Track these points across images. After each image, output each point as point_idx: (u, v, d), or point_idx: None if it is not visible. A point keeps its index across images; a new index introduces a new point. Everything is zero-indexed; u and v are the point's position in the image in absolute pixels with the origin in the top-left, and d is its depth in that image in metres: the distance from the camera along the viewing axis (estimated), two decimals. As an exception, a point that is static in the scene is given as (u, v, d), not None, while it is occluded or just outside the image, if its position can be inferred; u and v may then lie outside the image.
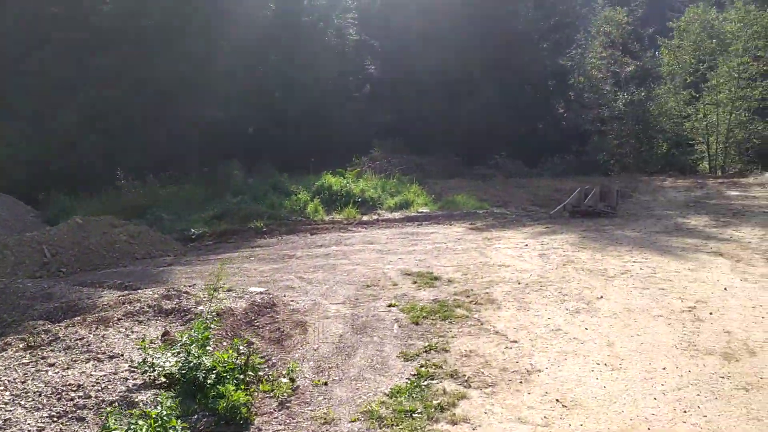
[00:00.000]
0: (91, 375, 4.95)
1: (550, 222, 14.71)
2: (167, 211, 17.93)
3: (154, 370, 4.86)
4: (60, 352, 5.46)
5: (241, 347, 5.07)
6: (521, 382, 5.02)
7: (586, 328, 6.29)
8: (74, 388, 4.68)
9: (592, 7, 35.10)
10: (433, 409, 4.53)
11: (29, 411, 4.26)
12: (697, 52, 28.64)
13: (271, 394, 4.91)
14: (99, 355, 5.39)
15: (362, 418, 4.43)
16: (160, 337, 6.21)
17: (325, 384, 5.08)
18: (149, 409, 4.16)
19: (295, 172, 23.42)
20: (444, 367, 5.32)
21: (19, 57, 26.35)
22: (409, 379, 5.10)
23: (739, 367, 5.23)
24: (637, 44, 30.92)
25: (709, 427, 4.23)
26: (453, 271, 9.20)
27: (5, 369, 4.96)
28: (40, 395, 4.52)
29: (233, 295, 7.73)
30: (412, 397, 4.75)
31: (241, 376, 4.82)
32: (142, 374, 4.96)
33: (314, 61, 30.01)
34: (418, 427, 4.26)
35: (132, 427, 3.82)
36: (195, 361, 4.68)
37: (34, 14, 26.65)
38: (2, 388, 4.57)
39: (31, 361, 5.20)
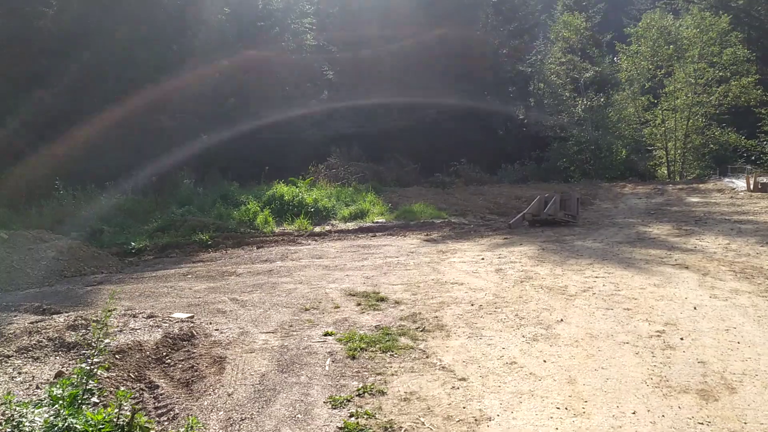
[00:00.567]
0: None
1: (509, 232, 13.99)
2: (109, 223, 16.76)
3: (16, 435, 3.88)
4: None
5: (125, 404, 4.10)
6: (468, 435, 4.18)
7: (545, 361, 5.48)
8: None
9: (551, 14, 34.86)
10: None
11: None
12: (654, 58, 28.49)
13: (164, 459, 3.98)
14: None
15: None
16: (52, 380, 5.24)
17: (233, 443, 4.17)
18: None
19: (251, 181, 22.40)
20: (378, 416, 4.45)
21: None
22: (334, 434, 4.22)
23: (719, 409, 4.47)
24: (595, 50, 30.64)
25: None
26: (402, 290, 8.34)
27: None
28: None
29: (150, 323, 6.75)
30: (335, 460, 3.87)
31: (124, 441, 3.87)
32: (2, 439, 3.98)
33: (269, 67, 29.03)
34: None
35: None
36: (61, 425, 3.72)
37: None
38: None
39: None
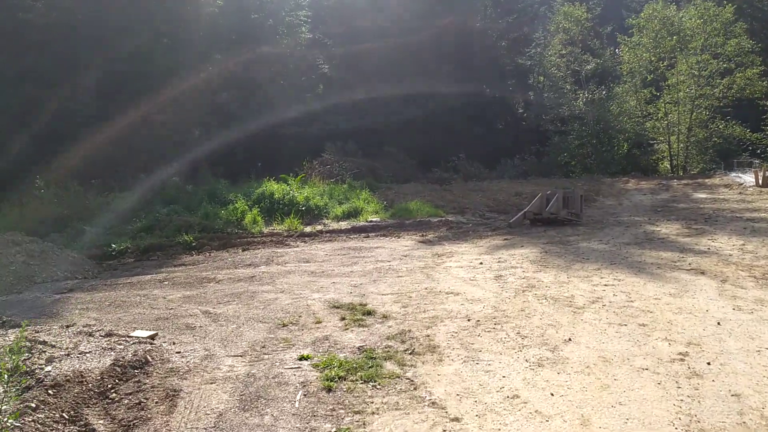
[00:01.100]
0: None
1: (509, 232, 13.14)
2: (92, 223, 15.92)
3: None
4: None
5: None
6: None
7: (552, 394, 4.65)
8: None
9: (551, 5, 33.89)
10: None
11: None
12: (657, 49, 27.54)
13: None
14: None
15: None
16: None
17: None
18: None
19: (244, 177, 21.55)
20: (351, 474, 3.62)
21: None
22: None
23: (767, 463, 3.64)
24: (596, 41, 29.70)
25: None
26: (391, 301, 7.51)
27: None
28: None
29: (104, 345, 5.92)
30: None
31: None
32: None
33: (263, 61, 28.11)
34: None
35: None
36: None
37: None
38: None
39: None
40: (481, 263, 9.68)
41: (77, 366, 5.24)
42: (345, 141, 24.98)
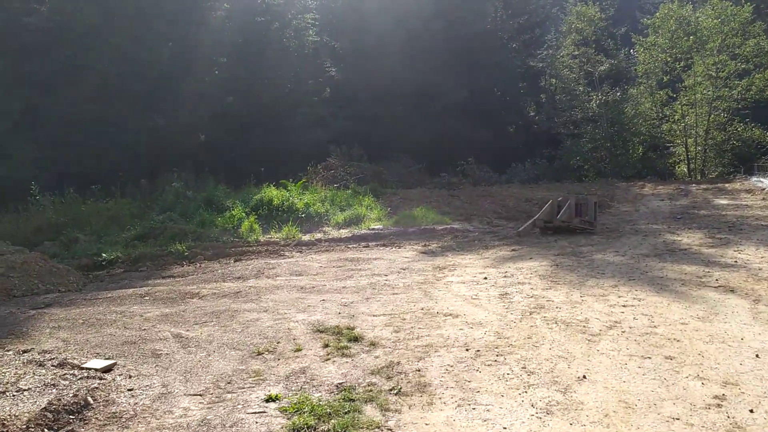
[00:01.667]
0: None
1: (517, 242, 12.22)
2: (86, 231, 15.23)
3: None
4: None
5: None
6: None
7: (563, 454, 3.76)
8: None
9: (563, 6, 32.87)
10: None
11: None
12: (673, 50, 26.44)
13: None
14: None
15: None
16: None
17: None
18: None
19: (247, 183, 20.78)
20: None
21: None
22: None
23: None
24: (611, 41, 28.66)
25: None
26: (382, 324, 6.64)
27: None
28: None
29: (48, 380, 5.14)
30: None
31: None
32: None
33: (269, 64, 27.38)
34: None
35: None
36: None
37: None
38: None
39: None
40: (485, 278, 8.78)
41: (7, 410, 4.44)
42: (351, 145, 24.16)
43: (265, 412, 4.50)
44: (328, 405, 4.51)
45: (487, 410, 4.39)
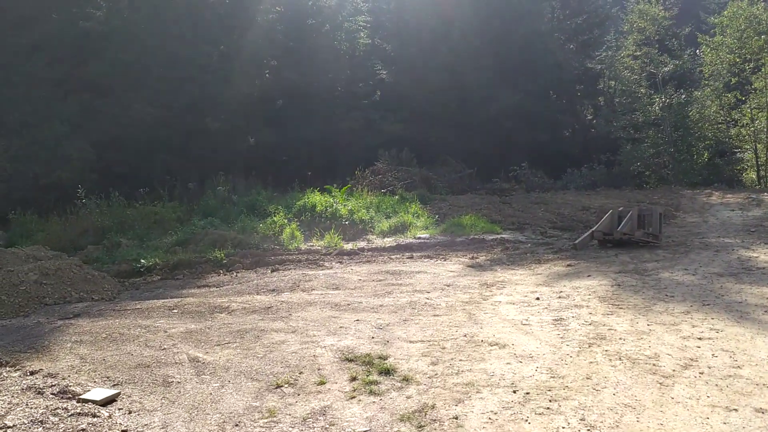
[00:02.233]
0: None
1: (573, 255, 11.20)
2: (129, 235, 14.95)
3: None
4: None
5: None
6: None
7: None
8: None
9: (623, 5, 31.30)
10: None
11: None
12: (742, 50, 24.64)
13: None
14: None
15: None
16: None
17: None
18: None
19: (294, 187, 20.31)
20: None
21: (6, 68, 23.95)
22: None
23: None
24: (674, 41, 26.99)
25: None
26: (419, 353, 5.85)
27: None
28: None
29: (37, 415, 4.56)
30: None
31: None
32: None
33: (320, 67, 26.93)
34: None
35: None
36: None
37: (21, 20, 24.09)
38: None
39: None
40: (537, 298, 7.87)
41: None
42: (400, 149, 23.41)
43: (270, 468, 3.78)
44: (344, 463, 3.75)
45: (537, 479, 3.55)
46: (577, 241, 11.73)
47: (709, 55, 26.44)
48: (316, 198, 15.11)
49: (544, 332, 6.36)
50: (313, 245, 13.26)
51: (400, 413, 4.50)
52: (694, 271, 9.34)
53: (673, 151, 25.55)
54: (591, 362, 5.42)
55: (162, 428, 4.44)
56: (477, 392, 4.83)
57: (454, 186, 20.89)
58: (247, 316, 7.82)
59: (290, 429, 4.33)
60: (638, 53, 27.14)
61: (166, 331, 7.37)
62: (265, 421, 4.49)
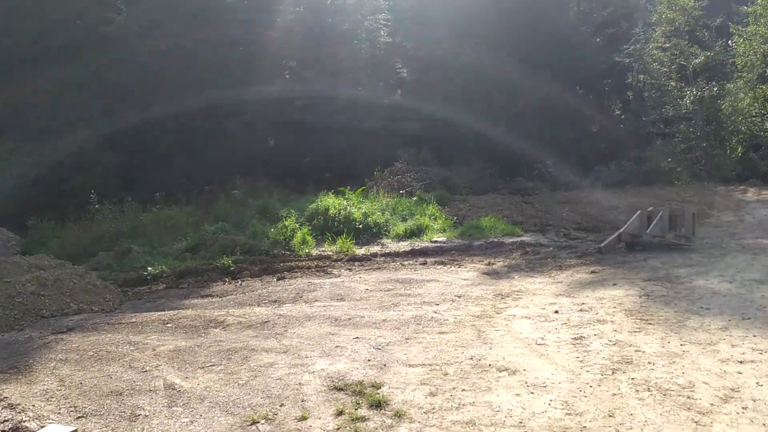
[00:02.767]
0: None
1: (598, 259, 10.33)
2: (140, 241, 14.48)
3: None
4: None
5: None
6: None
7: None
8: None
9: (651, -3, 29.96)
10: None
11: None
12: (777, 41, 23.26)
13: None
14: None
15: None
16: None
17: None
18: None
19: (313, 189, 19.68)
20: None
21: (30, 73, 23.85)
22: None
23: None
24: (705, 32, 25.67)
25: None
26: (417, 381, 5.12)
27: None
28: None
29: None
30: None
31: None
32: None
33: (340, 67, 26.28)
34: None
35: None
36: None
37: (46, 25, 23.98)
38: None
39: None
40: (556, 312, 7.07)
41: None
42: (420, 148, 22.59)
43: None
44: None
45: None
46: (602, 245, 10.84)
47: (742, 45, 25.06)
48: (329, 201, 14.44)
49: (562, 354, 5.58)
50: (324, 250, 12.61)
51: (385, 462, 3.79)
52: (731, 277, 8.43)
53: (706, 146, 24.26)
54: (614, 394, 4.63)
55: (108, 479, 3.80)
56: (478, 433, 4.09)
57: (475, 186, 20.03)
58: (241, 332, 7.19)
59: (254, 482, 3.65)
60: (667, 45, 25.87)
61: (154, 349, 6.79)
62: (229, 469, 3.82)
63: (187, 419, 4.66)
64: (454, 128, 24.48)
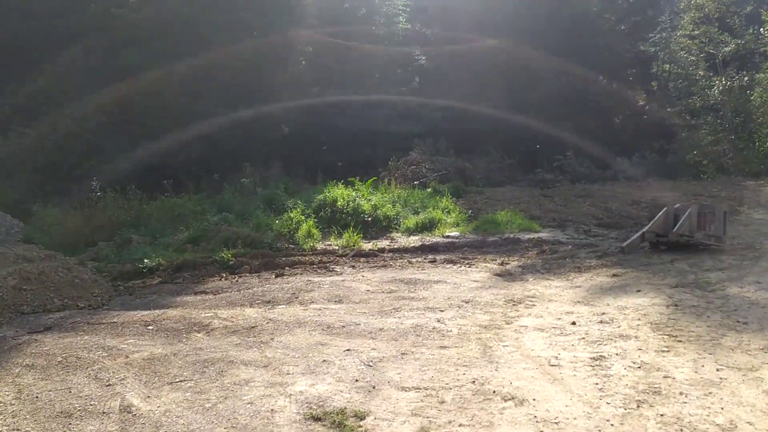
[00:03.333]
0: None
1: (620, 260, 9.45)
2: (142, 231, 13.87)
3: None
4: None
5: None
6: None
7: None
8: None
9: (678, -17, 28.57)
10: None
11: None
12: (812, 27, 21.90)
13: None
14: None
15: None
16: None
17: None
18: None
19: (326, 179, 18.99)
20: None
21: (40, 57, 23.37)
22: None
23: None
24: (736, 19, 24.33)
25: None
26: (409, 410, 4.35)
27: None
28: None
29: None
30: None
31: None
32: None
33: (357, 53, 25.43)
34: None
35: None
36: None
37: (58, 9, 23.44)
38: None
39: None
40: (573, 323, 6.24)
41: None
42: (437, 138, 21.70)
43: None
44: None
45: None
46: (624, 244, 9.95)
47: (775, 33, 23.74)
48: (337, 192, 13.67)
49: (578, 379, 4.76)
50: (330, 244, 11.88)
51: None
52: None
53: (734, 139, 23.05)
54: (640, 435, 3.82)
55: None
56: (473, 490, 3.31)
57: (493, 177, 19.14)
58: (224, 338, 6.48)
59: None
60: (696, 32, 24.59)
61: (127, 357, 6.12)
62: None
63: (135, 453, 3.95)
64: (472, 118, 23.58)
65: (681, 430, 3.88)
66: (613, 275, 8.40)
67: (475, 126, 23.71)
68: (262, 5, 23.68)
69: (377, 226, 12.79)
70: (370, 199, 13.45)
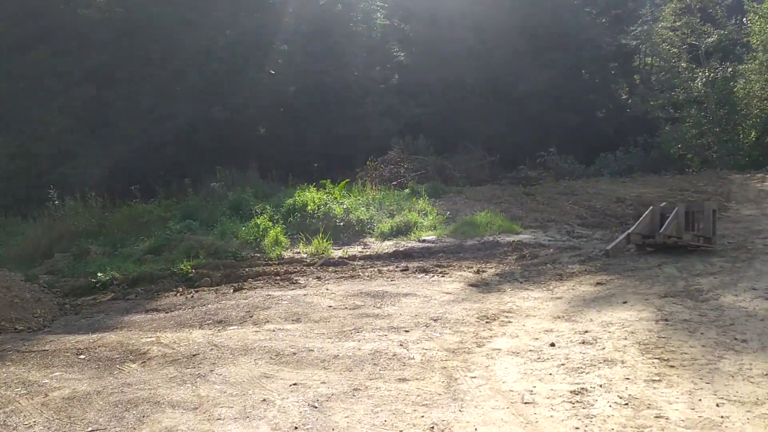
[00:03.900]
0: None
1: (605, 266, 8.70)
2: (102, 241, 13.01)
3: None
4: None
5: None
6: None
7: None
8: None
9: (659, -25, 28.01)
10: None
11: None
12: (795, 18, 21.34)
13: None
14: None
15: None
16: None
17: None
18: None
19: (303, 180, 18.17)
20: None
21: (6, 60, 22.41)
22: None
23: None
24: (718, 9, 23.72)
25: None
26: (350, 473, 3.55)
27: None
28: None
29: None
30: None
31: None
32: None
33: (335, 51, 24.60)
34: None
35: None
36: None
37: (25, 10, 22.44)
38: None
39: None
40: (552, 344, 5.47)
41: None
42: (415, 136, 20.92)
43: None
44: None
45: None
46: (609, 247, 9.21)
47: (758, 23, 23.13)
48: (307, 196, 12.84)
49: (556, 422, 3.98)
50: (298, 252, 11.07)
51: None
52: (765, 291, 6.79)
53: (718, 131, 22.46)
54: (629, 507, 3.03)
55: None
56: None
57: (474, 176, 18.39)
58: (160, 370, 5.65)
59: None
60: (678, 23, 23.94)
61: (46, 395, 5.30)
62: None
63: None
64: (452, 115, 22.83)
65: (679, 495, 3.10)
66: (597, 283, 7.64)
67: (455, 123, 22.97)
68: (234, 3, 22.80)
69: (350, 230, 12.00)
70: (342, 203, 12.64)
